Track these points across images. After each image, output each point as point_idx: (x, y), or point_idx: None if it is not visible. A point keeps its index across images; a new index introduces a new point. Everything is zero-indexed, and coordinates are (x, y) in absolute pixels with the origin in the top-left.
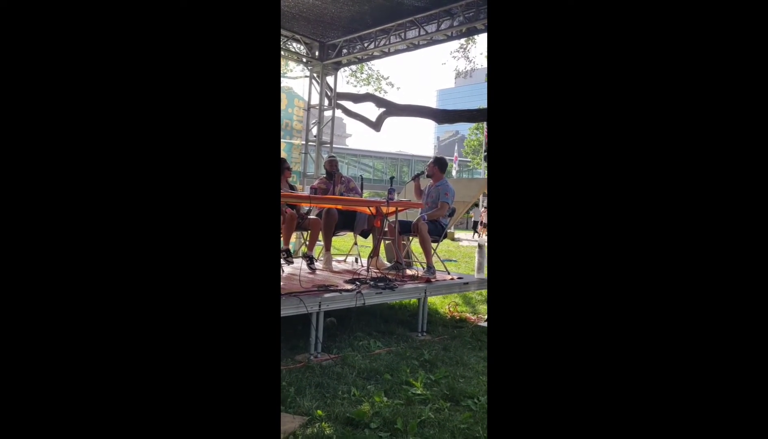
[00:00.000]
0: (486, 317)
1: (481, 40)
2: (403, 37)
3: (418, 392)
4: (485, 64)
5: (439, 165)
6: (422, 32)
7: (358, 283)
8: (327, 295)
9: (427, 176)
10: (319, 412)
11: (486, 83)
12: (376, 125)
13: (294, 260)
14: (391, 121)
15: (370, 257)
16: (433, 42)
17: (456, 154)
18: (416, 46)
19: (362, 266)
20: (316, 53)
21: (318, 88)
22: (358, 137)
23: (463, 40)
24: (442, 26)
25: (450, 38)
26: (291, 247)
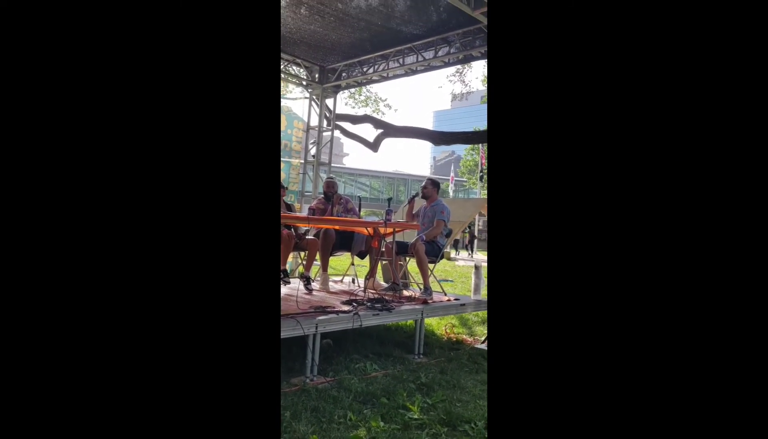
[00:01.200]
0: (483, 338)
1: (477, 65)
2: (401, 62)
3: (415, 416)
4: (481, 87)
5: (436, 186)
6: (420, 58)
7: (355, 304)
8: (323, 316)
9: (423, 197)
10: (315, 437)
11: (481, 105)
12: (373, 146)
13: (291, 280)
14: (388, 142)
15: (367, 277)
16: (430, 68)
17: (452, 174)
18: (414, 72)
19: (359, 286)
20: (316, 76)
21: (317, 110)
22: (355, 156)
23: (459, 65)
24: (440, 53)
25: (447, 64)
26: (288, 267)
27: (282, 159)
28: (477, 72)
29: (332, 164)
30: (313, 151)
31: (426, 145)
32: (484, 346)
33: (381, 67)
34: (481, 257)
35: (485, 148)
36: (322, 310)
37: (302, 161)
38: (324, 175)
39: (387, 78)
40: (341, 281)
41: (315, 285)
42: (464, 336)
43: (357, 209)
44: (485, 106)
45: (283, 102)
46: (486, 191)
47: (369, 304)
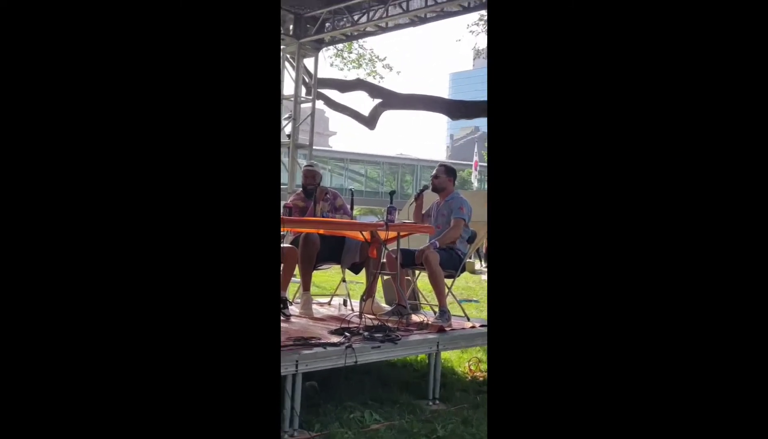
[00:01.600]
0: None
1: None
2: (404, 7)
3: None
4: None
5: (452, 175)
6: (430, 2)
7: (347, 334)
8: (306, 351)
9: (434, 190)
10: None
11: None
12: (369, 121)
13: None
14: (389, 115)
15: (364, 298)
16: (444, 14)
17: (476, 157)
18: (422, 20)
19: (352, 310)
20: (290, 28)
21: (293, 74)
22: (345, 136)
23: (483, 11)
24: None
25: (467, 9)
26: None
27: None
28: None
29: (314, 147)
30: (288, 129)
31: (441, 120)
32: None
33: (378, 15)
34: None
35: None
36: (304, 342)
37: None
38: (303, 162)
39: (386, 29)
40: (329, 303)
41: (294, 309)
42: None
43: (348, 207)
44: None
45: None
46: None
47: (366, 333)
